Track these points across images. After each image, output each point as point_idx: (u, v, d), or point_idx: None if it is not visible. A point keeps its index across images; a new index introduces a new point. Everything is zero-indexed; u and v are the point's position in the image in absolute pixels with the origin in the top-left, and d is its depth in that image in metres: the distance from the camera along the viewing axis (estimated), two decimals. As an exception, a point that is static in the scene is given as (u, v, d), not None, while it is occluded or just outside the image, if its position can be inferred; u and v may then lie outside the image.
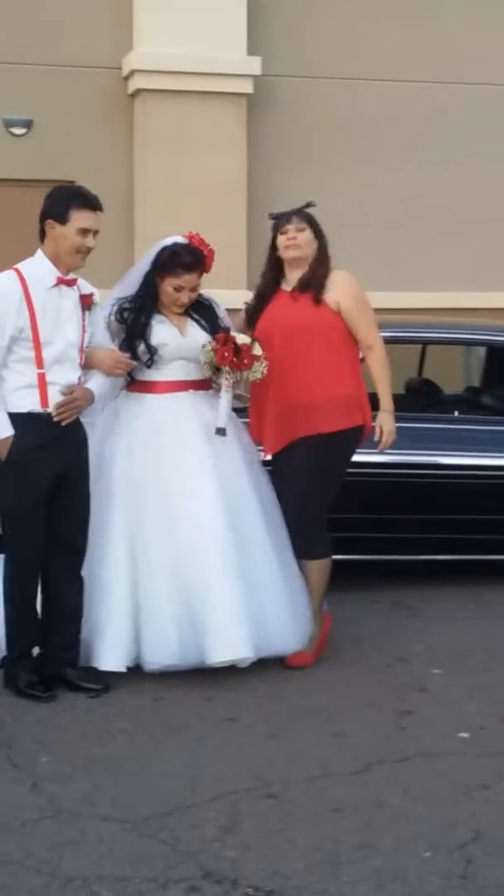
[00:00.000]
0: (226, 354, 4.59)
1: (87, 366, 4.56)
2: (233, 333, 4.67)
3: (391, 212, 10.51)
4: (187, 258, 4.70)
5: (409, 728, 4.27)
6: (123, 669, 4.59)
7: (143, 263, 4.83)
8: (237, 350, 4.59)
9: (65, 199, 4.46)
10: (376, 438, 4.94)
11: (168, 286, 4.70)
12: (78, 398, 4.47)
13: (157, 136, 9.79)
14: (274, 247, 4.92)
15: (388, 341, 6.11)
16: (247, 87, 9.91)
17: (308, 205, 4.95)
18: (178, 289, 4.69)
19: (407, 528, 6.00)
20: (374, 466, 5.85)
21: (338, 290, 4.85)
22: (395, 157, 10.54)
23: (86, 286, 4.58)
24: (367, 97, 10.46)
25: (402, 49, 10.47)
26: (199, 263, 4.71)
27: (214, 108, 9.79)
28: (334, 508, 5.66)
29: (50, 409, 4.42)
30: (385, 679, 4.80)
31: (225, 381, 4.63)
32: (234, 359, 4.59)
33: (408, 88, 10.48)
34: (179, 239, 4.77)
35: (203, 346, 4.65)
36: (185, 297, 4.72)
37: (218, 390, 4.69)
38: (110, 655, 4.59)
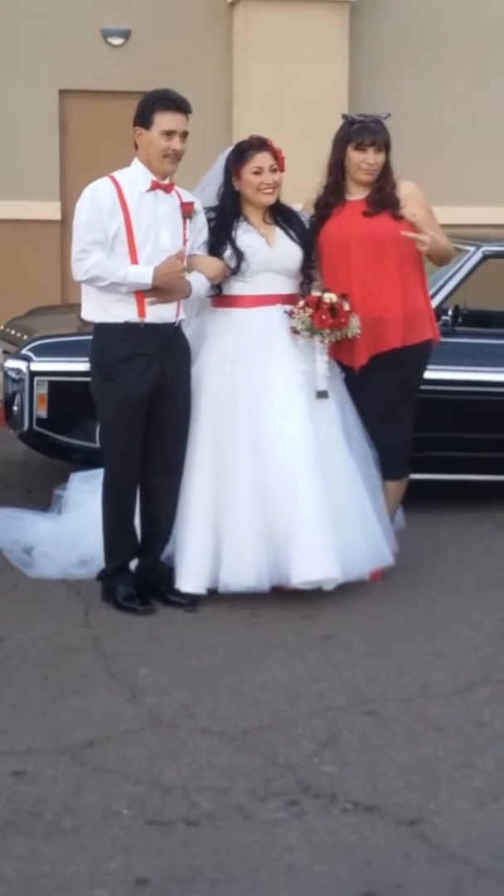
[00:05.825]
0: (323, 318, 4.51)
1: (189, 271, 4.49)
2: (316, 293, 4.57)
3: (501, 122, 10.17)
4: (252, 140, 4.66)
5: (511, 649, 4.21)
6: (203, 592, 4.56)
7: (212, 177, 4.70)
8: (333, 310, 4.52)
9: (149, 104, 4.42)
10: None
11: (247, 174, 4.58)
12: (182, 268, 4.38)
13: (257, 46, 9.60)
14: (340, 151, 4.74)
15: (501, 255, 5.96)
16: (350, -7, 9.64)
17: (388, 115, 4.80)
18: (257, 171, 4.57)
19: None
20: (477, 385, 5.74)
21: (412, 202, 4.77)
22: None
23: (187, 195, 4.51)
24: (480, 2, 10.09)
25: None
26: (265, 143, 4.62)
27: (316, 15, 9.57)
28: (439, 427, 5.55)
29: (147, 319, 4.38)
30: (487, 600, 4.72)
31: (323, 343, 4.57)
32: (332, 320, 4.52)
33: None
34: None
35: (295, 314, 4.55)
36: (268, 178, 4.58)
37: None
38: (190, 578, 4.56)
